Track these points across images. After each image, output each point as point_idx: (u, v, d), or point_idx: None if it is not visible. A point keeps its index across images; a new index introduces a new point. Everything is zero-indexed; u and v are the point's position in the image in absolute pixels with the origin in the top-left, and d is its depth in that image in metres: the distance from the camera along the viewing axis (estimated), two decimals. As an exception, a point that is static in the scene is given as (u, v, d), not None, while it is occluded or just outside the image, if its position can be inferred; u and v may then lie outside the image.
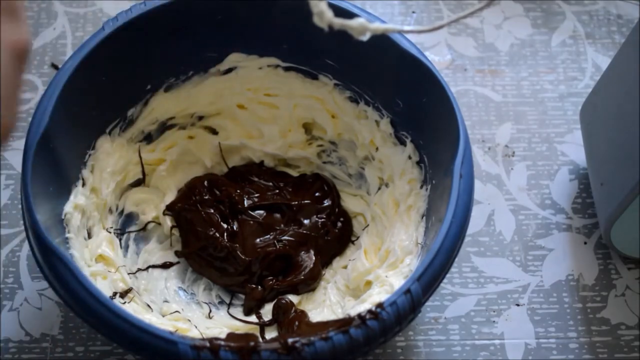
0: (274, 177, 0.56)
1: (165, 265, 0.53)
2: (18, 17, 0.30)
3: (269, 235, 0.54)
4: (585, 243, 0.56)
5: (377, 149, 0.53)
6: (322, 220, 0.54)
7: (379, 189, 0.54)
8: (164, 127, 0.55)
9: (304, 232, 0.54)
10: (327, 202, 0.55)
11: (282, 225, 0.54)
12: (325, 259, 0.54)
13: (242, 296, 0.53)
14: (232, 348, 0.39)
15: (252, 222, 0.54)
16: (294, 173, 0.57)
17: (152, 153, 0.55)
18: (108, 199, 0.51)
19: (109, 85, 0.49)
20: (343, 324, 0.40)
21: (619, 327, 0.53)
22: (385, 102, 0.52)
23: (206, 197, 0.54)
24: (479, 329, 0.53)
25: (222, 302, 0.53)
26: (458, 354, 0.52)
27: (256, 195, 0.55)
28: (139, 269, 0.52)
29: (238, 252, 0.52)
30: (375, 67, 0.51)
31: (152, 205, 0.54)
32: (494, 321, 0.53)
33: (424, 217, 0.49)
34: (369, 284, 0.49)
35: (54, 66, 0.62)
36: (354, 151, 0.55)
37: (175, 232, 0.54)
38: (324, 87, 0.54)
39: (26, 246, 0.54)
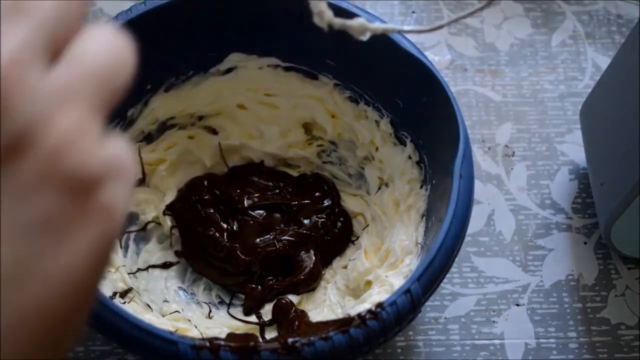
0: (274, 177, 0.56)
1: (165, 265, 0.53)
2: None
3: (269, 235, 0.54)
4: (585, 243, 0.56)
5: (377, 149, 0.53)
6: (322, 220, 0.54)
7: (379, 189, 0.54)
8: (164, 127, 0.55)
9: (304, 232, 0.54)
10: (327, 202, 0.55)
11: (282, 225, 0.54)
12: (325, 259, 0.54)
13: (242, 296, 0.53)
14: (232, 348, 0.39)
15: (252, 222, 0.54)
16: (294, 173, 0.57)
17: (152, 153, 0.55)
18: (108, 199, 0.51)
19: (109, 85, 0.49)
20: (343, 324, 0.40)
21: (619, 327, 0.53)
22: (385, 102, 0.52)
23: (206, 197, 0.54)
24: (479, 329, 0.53)
25: (222, 302, 0.53)
26: (458, 354, 0.52)
27: (256, 195, 0.55)
28: (139, 269, 0.52)
29: (238, 252, 0.52)
30: (375, 67, 0.51)
31: (152, 205, 0.54)
32: (494, 321, 0.53)
33: (424, 217, 0.49)
34: (369, 284, 0.49)
35: (54, 66, 0.62)
36: (354, 151, 0.55)
37: (175, 232, 0.54)
38: (324, 87, 0.54)
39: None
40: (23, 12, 0.21)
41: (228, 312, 0.52)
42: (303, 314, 0.50)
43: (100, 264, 0.22)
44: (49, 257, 0.20)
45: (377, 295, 0.47)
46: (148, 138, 0.54)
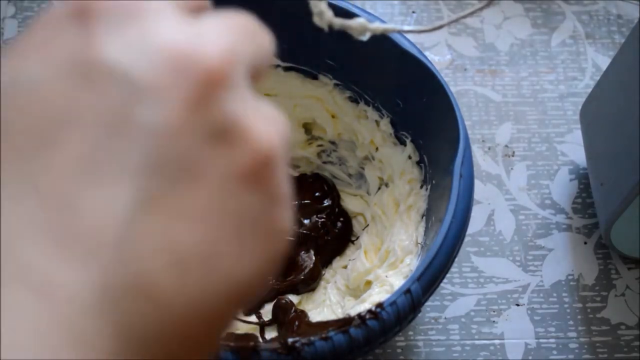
0: (274, 177, 0.56)
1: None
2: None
3: (269, 235, 0.54)
4: (585, 243, 0.56)
5: (377, 149, 0.53)
6: (322, 220, 0.54)
7: (379, 188, 0.54)
8: (164, 127, 0.55)
9: (304, 232, 0.54)
10: (327, 202, 0.55)
11: (282, 225, 0.54)
12: (325, 259, 0.54)
13: (242, 296, 0.53)
14: (232, 348, 0.39)
15: (252, 222, 0.54)
16: (294, 173, 0.57)
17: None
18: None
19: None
20: (343, 324, 0.40)
21: (619, 327, 0.53)
22: (385, 102, 0.52)
23: (206, 197, 0.54)
24: (479, 329, 0.53)
25: (222, 302, 0.53)
26: (458, 354, 0.52)
27: (256, 195, 0.55)
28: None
29: (238, 252, 0.52)
30: (375, 67, 0.51)
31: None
32: (494, 321, 0.53)
33: (424, 217, 0.49)
34: (369, 283, 0.49)
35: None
36: (354, 151, 0.55)
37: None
38: (324, 87, 0.54)
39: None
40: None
41: (228, 312, 0.52)
42: (303, 314, 0.50)
43: (271, 265, 0.21)
44: (246, 248, 0.20)
45: (377, 295, 0.47)
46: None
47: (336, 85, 0.53)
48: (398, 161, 0.52)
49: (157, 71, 0.19)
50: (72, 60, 0.19)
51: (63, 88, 0.19)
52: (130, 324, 0.18)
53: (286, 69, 0.54)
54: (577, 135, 0.60)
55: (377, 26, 0.34)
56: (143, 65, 0.19)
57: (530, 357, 0.52)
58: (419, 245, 0.48)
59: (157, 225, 0.18)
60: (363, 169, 0.55)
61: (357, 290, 0.51)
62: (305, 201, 0.55)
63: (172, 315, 0.19)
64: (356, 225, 0.55)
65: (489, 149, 0.60)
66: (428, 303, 0.53)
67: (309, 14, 0.34)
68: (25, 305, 0.17)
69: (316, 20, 0.34)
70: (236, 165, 0.19)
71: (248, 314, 0.52)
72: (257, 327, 0.51)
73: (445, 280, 0.51)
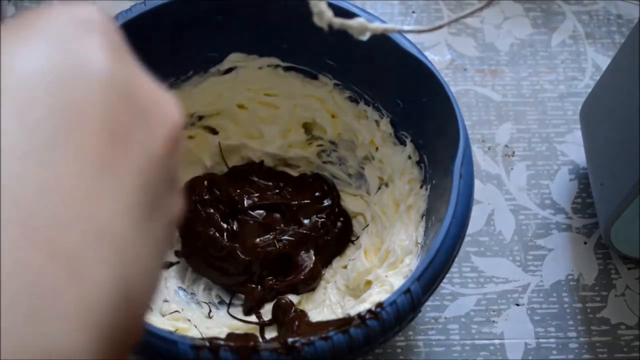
0: (274, 177, 0.56)
1: (165, 265, 0.53)
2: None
3: (269, 235, 0.54)
4: (585, 243, 0.56)
5: (377, 148, 0.53)
6: (322, 220, 0.54)
7: (379, 188, 0.54)
8: (164, 127, 0.55)
9: (304, 232, 0.54)
10: (327, 202, 0.55)
11: (282, 225, 0.54)
12: (325, 259, 0.54)
13: (242, 296, 0.53)
14: (232, 348, 0.39)
15: (252, 222, 0.54)
16: (294, 173, 0.57)
17: (152, 153, 0.55)
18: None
19: (109, 85, 0.49)
20: (343, 323, 0.40)
21: (619, 327, 0.53)
22: (385, 102, 0.52)
23: (206, 197, 0.54)
24: (479, 329, 0.53)
25: (222, 302, 0.53)
26: (458, 354, 0.52)
27: (256, 195, 0.55)
28: (139, 269, 0.52)
29: (238, 252, 0.52)
30: (375, 67, 0.51)
31: (152, 205, 0.54)
32: (493, 321, 0.53)
33: (424, 217, 0.49)
34: (369, 283, 0.49)
35: (54, 66, 0.62)
36: (354, 151, 0.55)
37: (175, 232, 0.54)
38: (324, 87, 0.54)
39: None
40: None
41: (228, 312, 0.52)
42: (303, 314, 0.50)
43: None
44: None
45: (377, 295, 0.47)
46: (148, 138, 0.54)
47: (336, 85, 0.53)
48: (398, 161, 0.52)
49: (151, 106, 0.22)
50: (79, 66, 0.21)
51: (63, 86, 0.20)
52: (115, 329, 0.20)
53: (286, 69, 0.54)
54: (577, 135, 0.60)
55: (377, 26, 0.34)
56: (144, 93, 0.22)
57: (530, 357, 0.52)
58: (419, 245, 0.48)
59: (147, 236, 0.21)
60: (363, 169, 0.55)
61: (357, 290, 0.51)
62: (305, 201, 0.55)
63: (129, 311, 0.20)
64: (356, 225, 0.55)
65: (489, 149, 0.60)
66: (428, 303, 0.53)
67: (309, 13, 0.34)
68: (55, 276, 0.18)
69: (316, 20, 0.34)
70: (176, 213, 0.24)
71: (248, 313, 0.52)
72: (257, 327, 0.51)
73: (445, 280, 0.51)
